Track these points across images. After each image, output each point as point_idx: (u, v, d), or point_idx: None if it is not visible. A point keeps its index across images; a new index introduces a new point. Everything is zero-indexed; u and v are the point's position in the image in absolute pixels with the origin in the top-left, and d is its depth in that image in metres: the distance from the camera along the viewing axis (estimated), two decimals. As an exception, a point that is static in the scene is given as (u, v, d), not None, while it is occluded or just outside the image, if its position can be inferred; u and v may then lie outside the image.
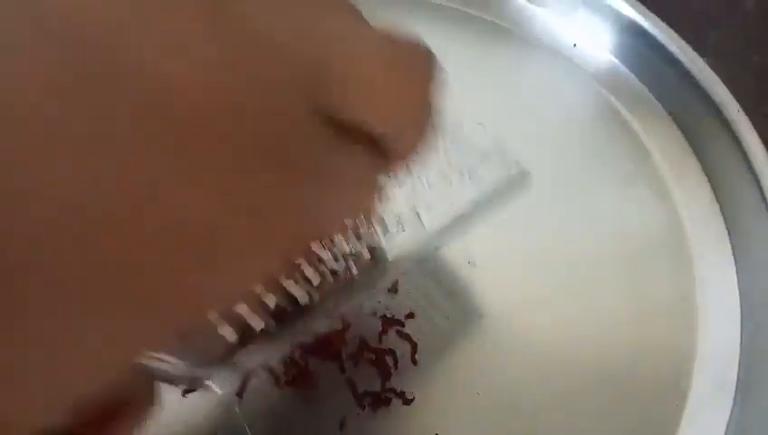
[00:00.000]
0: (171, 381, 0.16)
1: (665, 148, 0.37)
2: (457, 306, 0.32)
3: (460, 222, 0.20)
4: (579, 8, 0.40)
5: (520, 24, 0.41)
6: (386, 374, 0.31)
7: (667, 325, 0.32)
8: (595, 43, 0.40)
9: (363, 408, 0.30)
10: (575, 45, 0.40)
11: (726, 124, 0.34)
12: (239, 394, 0.30)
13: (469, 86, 0.35)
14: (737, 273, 0.33)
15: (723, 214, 0.35)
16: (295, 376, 0.30)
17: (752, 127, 0.34)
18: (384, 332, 0.32)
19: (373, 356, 0.31)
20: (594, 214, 0.35)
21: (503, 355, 0.31)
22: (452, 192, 0.20)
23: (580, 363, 0.31)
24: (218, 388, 0.17)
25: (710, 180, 0.36)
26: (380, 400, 0.30)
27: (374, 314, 0.32)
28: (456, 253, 0.33)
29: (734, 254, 0.34)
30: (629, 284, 0.33)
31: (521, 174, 0.20)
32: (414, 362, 0.31)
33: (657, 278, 0.33)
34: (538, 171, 0.34)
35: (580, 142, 0.37)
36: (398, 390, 0.30)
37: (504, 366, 0.31)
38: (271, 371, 0.31)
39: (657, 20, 0.37)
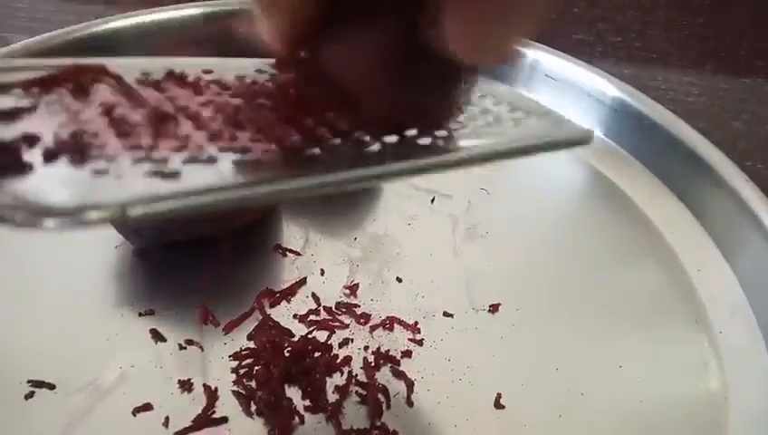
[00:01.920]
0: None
1: (670, 220, 0.36)
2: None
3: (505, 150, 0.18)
4: (577, 96, 0.42)
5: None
6: (376, 412, 0.26)
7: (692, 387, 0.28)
8: (594, 129, 0.41)
9: (348, 447, 0.25)
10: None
11: (722, 183, 0.34)
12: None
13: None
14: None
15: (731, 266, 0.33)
16: (269, 404, 0.25)
17: (746, 178, 0.34)
18: (376, 367, 0.28)
19: (363, 392, 0.27)
20: (604, 283, 0.33)
21: (512, 404, 0.27)
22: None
23: (585, 423, 0.27)
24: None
25: (716, 243, 0.35)
26: (369, 439, 0.25)
27: (366, 347, 0.28)
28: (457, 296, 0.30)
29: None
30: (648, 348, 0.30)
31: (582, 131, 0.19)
32: (410, 403, 0.27)
33: (675, 340, 0.30)
34: (550, 248, 0.34)
35: (584, 217, 0.37)
36: (391, 430, 0.25)
37: (512, 409, 0.27)
38: (238, 394, 0.26)
39: (647, 98, 0.39)
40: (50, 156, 0.14)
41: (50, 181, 0.13)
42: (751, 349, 0.30)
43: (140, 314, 0.29)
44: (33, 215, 0.12)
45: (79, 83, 0.17)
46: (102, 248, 0.32)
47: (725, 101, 0.50)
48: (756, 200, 0.33)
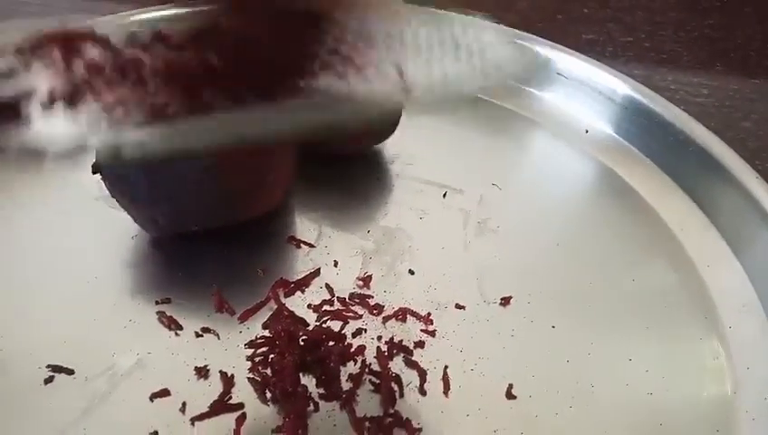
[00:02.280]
0: None
1: (680, 216, 0.36)
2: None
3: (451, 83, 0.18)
4: (589, 95, 0.42)
5: (529, 108, 0.43)
6: (390, 400, 0.26)
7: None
8: (604, 127, 0.42)
9: (362, 434, 0.25)
10: (587, 132, 0.42)
11: (732, 180, 0.35)
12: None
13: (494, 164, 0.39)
14: None
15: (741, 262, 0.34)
16: (284, 392, 0.26)
17: (756, 176, 0.34)
18: (390, 356, 0.28)
19: (376, 381, 0.27)
20: (614, 279, 0.33)
21: (523, 395, 0.27)
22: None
23: (595, 414, 0.27)
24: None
25: (726, 240, 0.35)
26: (382, 426, 0.25)
27: (379, 337, 0.29)
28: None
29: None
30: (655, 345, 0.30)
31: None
32: (422, 392, 0.27)
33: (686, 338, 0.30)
34: (561, 243, 0.34)
35: (594, 214, 0.37)
36: (404, 418, 0.26)
37: (524, 400, 0.27)
38: (253, 381, 0.26)
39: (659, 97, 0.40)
40: (46, 107, 0.16)
41: (49, 129, 0.15)
42: (760, 345, 0.30)
43: (157, 303, 0.30)
44: (37, 156, 0.15)
45: (69, 45, 0.18)
46: (119, 238, 0.32)
47: (735, 102, 0.50)
48: (766, 198, 0.33)
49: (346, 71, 0.17)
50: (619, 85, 0.41)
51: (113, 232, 0.32)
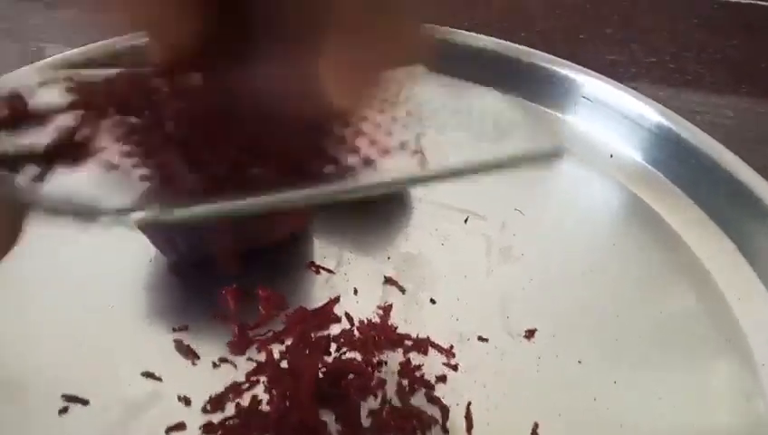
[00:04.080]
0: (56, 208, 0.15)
1: (709, 246, 0.35)
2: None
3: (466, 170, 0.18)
4: (615, 119, 0.41)
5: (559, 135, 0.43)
6: (411, 438, 0.25)
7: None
8: (630, 152, 0.41)
9: (382, 474, 0.24)
10: (612, 156, 0.41)
11: (764, 211, 0.34)
12: None
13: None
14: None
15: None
16: (302, 428, 0.25)
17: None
18: (411, 392, 0.27)
19: (398, 418, 0.26)
20: (642, 310, 0.32)
21: (549, 431, 0.26)
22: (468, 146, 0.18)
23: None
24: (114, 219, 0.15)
25: (761, 277, 0.34)
26: (403, 466, 0.25)
27: (400, 371, 0.28)
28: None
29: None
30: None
31: (553, 148, 0.19)
32: (445, 430, 0.26)
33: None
34: (585, 272, 0.33)
35: (621, 242, 0.36)
36: (426, 457, 0.25)
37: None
38: (272, 415, 0.26)
39: (687, 123, 0.39)
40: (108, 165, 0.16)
41: (103, 185, 0.15)
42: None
43: (174, 330, 0.29)
44: (87, 212, 0.15)
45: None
46: (137, 262, 0.32)
47: (762, 126, 0.49)
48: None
49: (359, 147, 0.17)
50: (646, 110, 0.40)
51: (131, 255, 0.32)
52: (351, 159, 0.17)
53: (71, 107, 0.17)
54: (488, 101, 0.20)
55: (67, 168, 0.15)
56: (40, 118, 0.16)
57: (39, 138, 0.16)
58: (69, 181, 0.15)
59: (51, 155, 0.15)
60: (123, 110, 0.17)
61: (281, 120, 0.16)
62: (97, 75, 0.18)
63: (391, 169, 0.17)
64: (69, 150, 0.16)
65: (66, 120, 0.16)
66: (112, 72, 0.18)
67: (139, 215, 0.15)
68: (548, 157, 0.18)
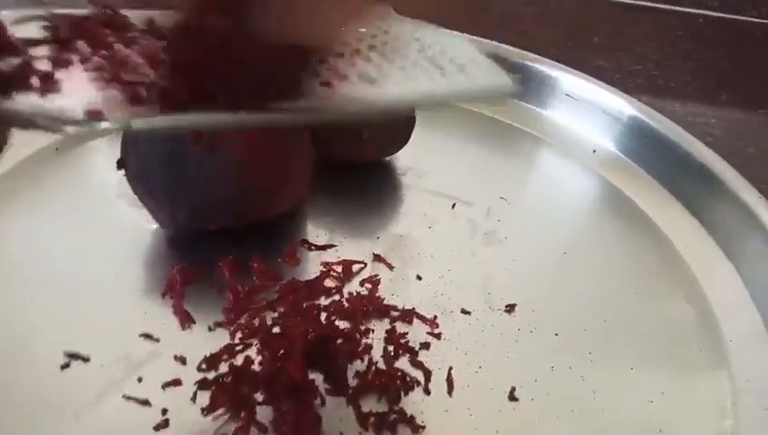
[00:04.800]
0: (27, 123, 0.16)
1: (685, 236, 0.37)
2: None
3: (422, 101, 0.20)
4: (595, 114, 0.43)
5: (538, 127, 0.45)
6: (395, 398, 0.27)
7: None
8: (611, 146, 0.43)
9: (366, 429, 0.26)
10: (594, 151, 0.43)
11: (743, 207, 0.36)
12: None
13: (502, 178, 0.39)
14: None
15: (748, 291, 0.34)
16: (292, 385, 0.26)
17: (762, 199, 0.35)
18: (396, 356, 0.29)
19: (382, 379, 0.28)
20: (616, 292, 0.34)
21: (526, 398, 0.28)
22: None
23: (596, 418, 0.27)
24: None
25: (736, 266, 0.35)
26: (386, 422, 0.26)
27: (386, 338, 0.29)
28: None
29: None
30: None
31: (509, 87, 0.20)
32: (427, 391, 0.28)
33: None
34: (565, 256, 0.35)
35: (598, 229, 0.38)
36: (408, 414, 0.26)
37: (525, 402, 0.27)
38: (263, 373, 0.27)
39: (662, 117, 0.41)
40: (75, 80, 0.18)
41: (72, 99, 0.17)
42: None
43: (171, 298, 0.30)
44: (55, 122, 0.16)
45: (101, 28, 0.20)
46: (137, 235, 0.33)
47: (741, 130, 0.52)
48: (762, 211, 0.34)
49: (331, 80, 0.19)
50: (625, 106, 0.42)
51: (132, 229, 0.34)
52: (318, 85, 0.19)
53: (45, 41, 0.19)
54: (451, 41, 0.22)
55: (33, 91, 0.17)
56: (16, 50, 0.18)
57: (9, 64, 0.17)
58: (37, 99, 0.17)
59: (16, 79, 0.17)
60: (95, 44, 0.19)
61: (260, 45, 0.17)
62: (73, 13, 0.20)
63: (350, 96, 0.19)
64: (33, 77, 0.17)
65: (40, 52, 0.18)
66: (86, 11, 0.20)
67: (104, 124, 0.16)
68: (503, 95, 0.20)
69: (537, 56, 0.46)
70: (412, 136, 0.39)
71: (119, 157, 0.31)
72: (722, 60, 0.64)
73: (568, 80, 0.44)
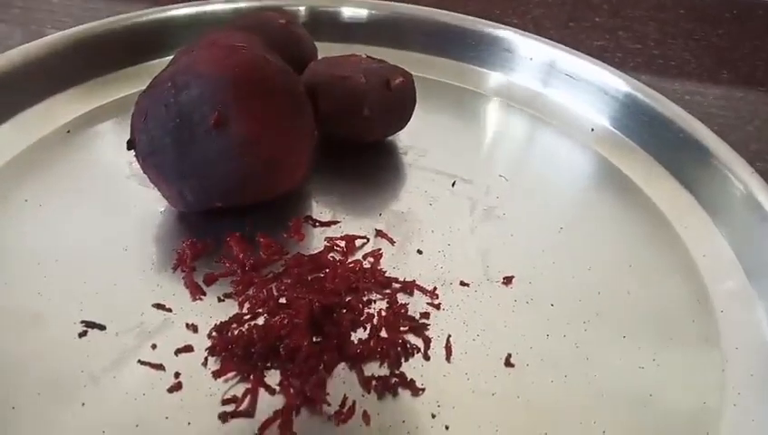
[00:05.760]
0: None
1: (679, 211, 0.38)
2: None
3: None
4: (593, 93, 0.44)
5: (537, 106, 0.45)
6: (396, 362, 0.28)
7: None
8: (608, 124, 0.44)
9: (369, 391, 0.27)
10: (593, 130, 0.44)
11: (736, 182, 0.36)
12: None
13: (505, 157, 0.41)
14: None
15: (740, 264, 0.35)
16: (298, 350, 0.28)
17: (755, 175, 0.36)
18: (397, 324, 0.30)
19: (384, 345, 0.29)
20: (612, 265, 0.35)
21: (521, 364, 0.29)
22: None
23: (588, 383, 0.29)
24: None
25: (729, 242, 0.36)
26: (388, 385, 0.27)
27: (387, 308, 0.31)
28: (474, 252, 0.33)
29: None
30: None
31: None
32: (426, 357, 0.29)
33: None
34: (562, 230, 0.36)
35: (596, 205, 0.39)
36: (409, 378, 0.28)
37: (521, 368, 0.29)
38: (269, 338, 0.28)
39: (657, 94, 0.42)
40: None
41: None
42: (760, 373, 0.30)
43: (183, 271, 0.32)
44: None
45: None
46: (148, 213, 0.35)
47: (740, 107, 0.52)
48: (759, 192, 0.35)
49: None
50: (622, 84, 0.43)
51: (142, 207, 0.35)
52: None
53: None
54: None
55: None
56: None
57: None
58: None
59: None
60: None
61: None
62: None
63: None
64: None
65: None
66: None
67: None
68: None
69: (537, 36, 0.47)
70: (413, 116, 0.40)
71: (128, 138, 0.32)
72: (722, 38, 0.64)
73: (566, 59, 0.45)
